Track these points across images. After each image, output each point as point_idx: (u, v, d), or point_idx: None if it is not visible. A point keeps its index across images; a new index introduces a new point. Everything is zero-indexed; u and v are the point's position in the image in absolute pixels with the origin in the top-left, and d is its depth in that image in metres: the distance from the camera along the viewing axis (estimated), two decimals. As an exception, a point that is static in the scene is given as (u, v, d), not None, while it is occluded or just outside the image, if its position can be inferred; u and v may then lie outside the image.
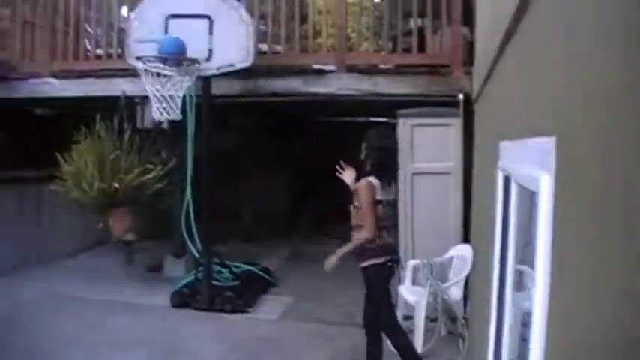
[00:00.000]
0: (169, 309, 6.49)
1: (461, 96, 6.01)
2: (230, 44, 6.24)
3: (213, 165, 6.64)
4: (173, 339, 5.67)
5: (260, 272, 7.47)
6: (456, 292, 5.41)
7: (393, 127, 6.10)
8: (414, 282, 5.59)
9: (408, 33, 6.80)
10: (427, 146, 6.07)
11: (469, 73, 5.95)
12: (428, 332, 5.15)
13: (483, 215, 3.90)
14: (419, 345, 4.94)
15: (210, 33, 6.28)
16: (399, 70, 6.63)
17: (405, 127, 6.09)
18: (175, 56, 5.93)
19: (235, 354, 5.38)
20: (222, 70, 6.31)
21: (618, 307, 0.97)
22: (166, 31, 6.24)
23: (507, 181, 2.43)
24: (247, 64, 6.29)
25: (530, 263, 2.39)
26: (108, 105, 6.83)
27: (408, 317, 5.41)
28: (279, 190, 11.05)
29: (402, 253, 5.87)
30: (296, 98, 6.86)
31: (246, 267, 7.40)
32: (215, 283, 6.63)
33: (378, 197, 4.34)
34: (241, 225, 10.36)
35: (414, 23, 6.73)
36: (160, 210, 7.11)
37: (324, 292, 6.93)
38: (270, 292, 7.20)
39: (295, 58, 6.95)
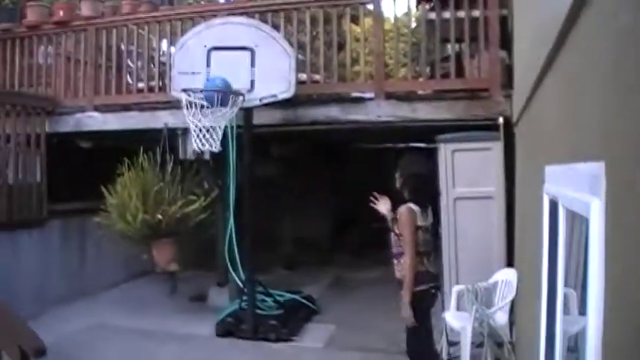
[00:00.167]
0: (214, 338, 6.50)
1: (501, 119, 5.97)
2: (272, 75, 6.26)
3: (255, 194, 6.70)
4: (219, 368, 5.68)
5: (303, 300, 7.43)
6: (501, 318, 5.29)
7: (427, 153, 6.07)
8: (459, 308, 5.50)
9: (445, 58, 6.80)
10: (468, 170, 6.00)
11: (508, 97, 5.91)
12: (474, 358, 5.05)
13: (528, 239, 3.83)
14: (466, 372, 4.84)
15: (253, 64, 6.31)
16: (438, 96, 6.63)
17: (445, 152, 6.06)
18: (222, 93, 5.95)
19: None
20: (265, 102, 6.33)
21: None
22: (208, 64, 6.35)
23: (554, 205, 2.39)
24: (289, 94, 6.30)
25: (574, 285, 2.36)
26: (150, 137, 6.97)
27: (454, 343, 5.31)
28: (320, 218, 11.09)
29: (445, 279, 5.82)
30: (335, 126, 6.91)
31: (289, 295, 7.38)
32: (259, 312, 6.63)
33: (419, 223, 4.33)
34: (283, 253, 10.38)
35: (451, 48, 6.73)
36: (202, 240, 7.18)
37: (367, 319, 6.88)
38: (314, 320, 7.15)
39: (334, 87, 7.05)
